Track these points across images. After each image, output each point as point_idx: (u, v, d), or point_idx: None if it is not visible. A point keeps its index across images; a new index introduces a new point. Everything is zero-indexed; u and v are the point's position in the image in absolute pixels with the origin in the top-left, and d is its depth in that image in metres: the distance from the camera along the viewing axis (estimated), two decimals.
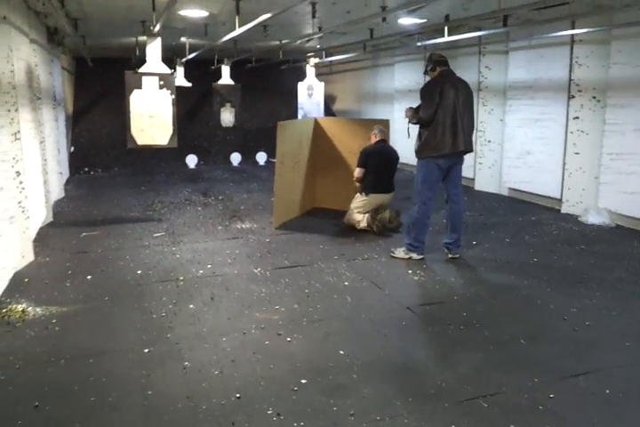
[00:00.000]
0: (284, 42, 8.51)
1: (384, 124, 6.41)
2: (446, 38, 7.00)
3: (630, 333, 3.59)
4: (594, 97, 6.66)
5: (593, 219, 6.44)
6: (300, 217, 6.88)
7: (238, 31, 5.79)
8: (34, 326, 3.63)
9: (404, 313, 3.92)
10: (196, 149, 11.95)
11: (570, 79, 6.91)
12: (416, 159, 5.03)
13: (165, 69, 6.07)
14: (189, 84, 11.07)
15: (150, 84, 5.93)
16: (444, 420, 2.61)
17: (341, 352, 3.27)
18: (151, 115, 5.99)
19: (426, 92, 4.91)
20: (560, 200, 7.21)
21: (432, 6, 5.92)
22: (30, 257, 5.04)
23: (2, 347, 3.35)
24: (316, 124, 7.14)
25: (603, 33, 6.34)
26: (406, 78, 10.67)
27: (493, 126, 8.49)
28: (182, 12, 6.62)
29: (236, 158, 12.29)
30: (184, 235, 6.03)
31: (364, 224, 6.03)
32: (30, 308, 3.93)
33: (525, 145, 7.84)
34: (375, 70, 12.27)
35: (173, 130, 6.10)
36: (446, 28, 6.92)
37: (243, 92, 11.47)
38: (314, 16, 5.98)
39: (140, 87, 5.91)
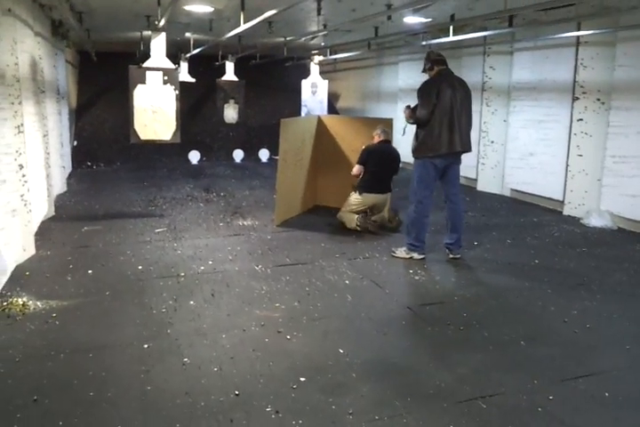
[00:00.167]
0: (288, 39, 8.49)
1: (387, 124, 6.37)
2: (451, 38, 6.97)
3: (630, 336, 3.59)
4: (598, 99, 6.64)
5: (595, 221, 6.43)
6: (301, 215, 6.87)
7: (243, 27, 5.77)
8: (34, 320, 3.64)
9: (404, 313, 3.92)
10: (198, 144, 11.94)
11: (574, 81, 6.89)
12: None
13: (169, 65, 6.06)
14: (193, 80, 11.03)
15: (154, 79, 5.91)
16: (442, 420, 2.61)
17: (341, 351, 3.27)
18: (154, 110, 5.98)
19: (423, 91, 4.87)
20: (562, 202, 7.20)
21: (437, 5, 5.90)
22: (32, 251, 5.04)
23: (2, 340, 3.36)
24: (320, 121, 7.13)
25: (608, 35, 6.32)
26: (410, 77, 10.63)
27: (497, 127, 8.48)
28: (187, 7, 6.61)
29: (238, 155, 12.28)
30: (185, 231, 6.03)
31: (352, 225, 5.97)
32: (31, 301, 3.94)
33: (528, 146, 7.82)
34: (379, 69, 12.26)
35: (176, 125, 6.08)
36: (451, 28, 6.90)
37: (246, 88, 11.46)
38: (319, 13, 5.95)
39: (143, 82, 5.89)
